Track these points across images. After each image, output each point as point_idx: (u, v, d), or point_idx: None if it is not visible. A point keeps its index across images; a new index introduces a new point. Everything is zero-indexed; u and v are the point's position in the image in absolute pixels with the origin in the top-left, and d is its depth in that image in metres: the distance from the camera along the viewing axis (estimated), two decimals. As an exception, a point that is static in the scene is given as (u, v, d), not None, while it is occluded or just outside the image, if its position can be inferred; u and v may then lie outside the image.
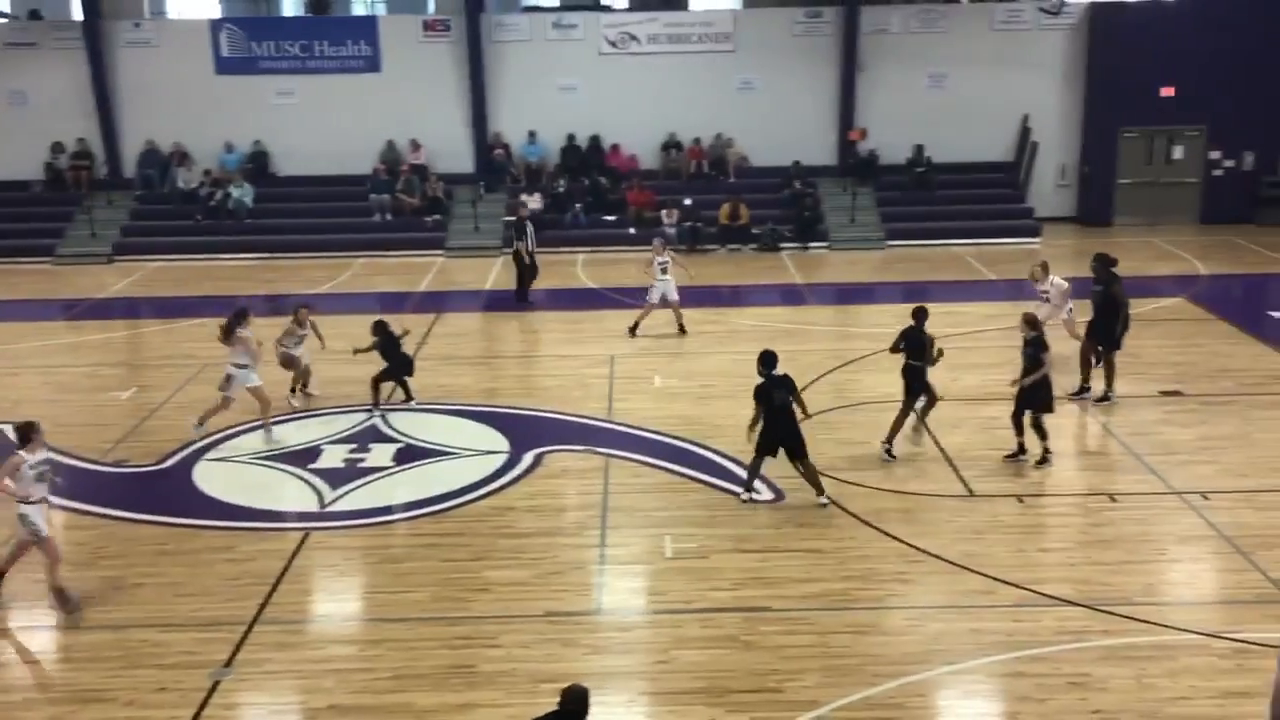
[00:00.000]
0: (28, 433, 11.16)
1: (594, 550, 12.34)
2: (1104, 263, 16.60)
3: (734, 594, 11.31)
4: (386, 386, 16.70)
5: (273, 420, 15.77)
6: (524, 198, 27.96)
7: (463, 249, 27.73)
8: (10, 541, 11.51)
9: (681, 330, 20.03)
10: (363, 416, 16.29)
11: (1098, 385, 16.44)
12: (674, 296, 19.93)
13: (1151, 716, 9.25)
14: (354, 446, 15.34)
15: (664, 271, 19.79)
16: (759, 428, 13.02)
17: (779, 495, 13.54)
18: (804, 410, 13.22)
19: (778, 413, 12.87)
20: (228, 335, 15.39)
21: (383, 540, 12.71)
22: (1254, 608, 10.87)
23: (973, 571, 11.63)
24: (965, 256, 26.30)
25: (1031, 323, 14.14)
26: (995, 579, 11.48)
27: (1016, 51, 28.85)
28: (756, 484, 13.60)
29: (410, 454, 15.01)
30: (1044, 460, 14.06)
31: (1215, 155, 28.87)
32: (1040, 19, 28.48)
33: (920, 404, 14.79)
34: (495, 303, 23.38)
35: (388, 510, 13.42)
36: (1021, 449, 14.28)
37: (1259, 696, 9.06)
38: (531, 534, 12.71)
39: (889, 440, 14.55)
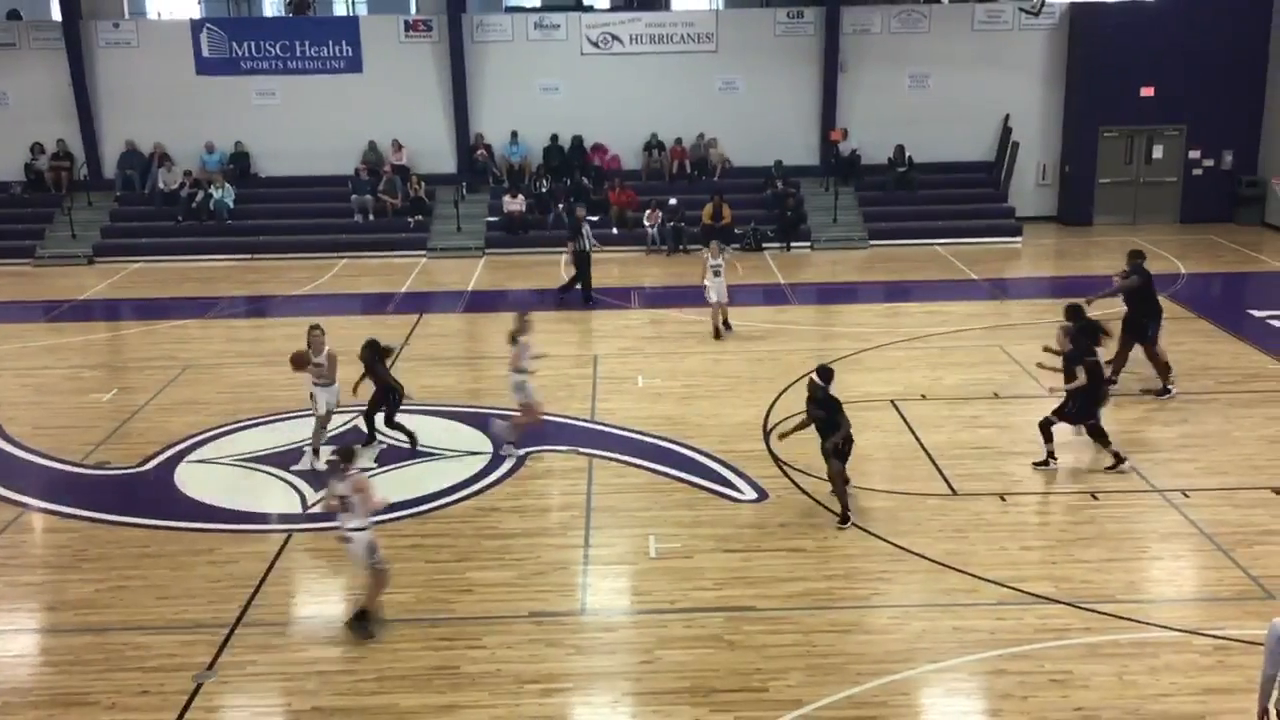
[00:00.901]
0: (353, 453, 10.94)
1: (578, 550, 12.34)
2: (1136, 257, 16.83)
3: (718, 594, 11.33)
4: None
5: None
6: (505, 198, 27.96)
7: (445, 249, 27.68)
8: (362, 576, 10.90)
9: (727, 327, 20.04)
10: (346, 419, 16.24)
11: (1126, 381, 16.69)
12: (724, 299, 19.99)
13: (1133, 713, 9.31)
14: (336, 448, 15.25)
15: (717, 274, 19.77)
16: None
17: (762, 495, 13.56)
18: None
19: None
20: (514, 340, 15.25)
21: (366, 542, 12.67)
22: (1234, 604, 10.95)
23: (955, 570, 11.68)
24: (947, 256, 26.38)
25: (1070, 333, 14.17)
26: (978, 577, 11.53)
27: (997, 51, 28.96)
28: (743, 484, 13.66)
29: (393, 455, 14.98)
30: (1045, 462, 14.11)
31: (1194, 155, 29.01)
32: (1021, 19, 28.57)
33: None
34: (478, 303, 23.35)
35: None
36: (1119, 458, 14.09)
37: (1240, 693, 9.14)
38: (515, 535, 12.70)
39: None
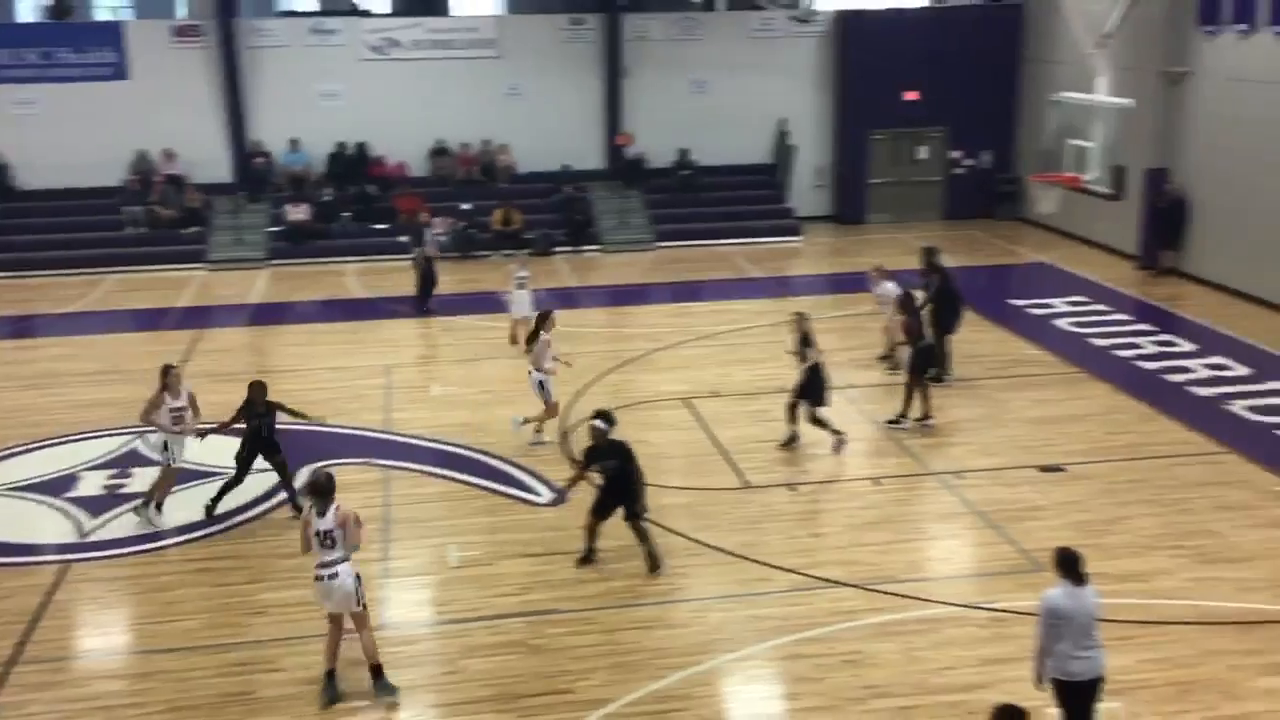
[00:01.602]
0: (330, 486, 9.73)
1: (376, 564, 12.14)
2: (931, 254, 17.49)
3: (520, 599, 11.35)
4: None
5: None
6: (288, 207, 27.21)
7: (225, 261, 26.69)
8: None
9: (529, 349, 19.39)
10: (122, 440, 15.52)
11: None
12: (528, 312, 19.18)
13: (920, 687, 9.79)
14: (114, 472, 14.60)
15: (520, 286, 19.25)
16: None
17: (560, 497, 13.64)
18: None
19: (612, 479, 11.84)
20: (531, 341, 14.95)
21: (150, 568, 12.18)
22: (1007, 578, 11.63)
23: (750, 560, 12.03)
24: (732, 256, 27.05)
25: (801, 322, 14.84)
26: (772, 566, 11.90)
27: (771, 58, 29.81)
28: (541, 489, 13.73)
29: (177, 477, 14.37)
30: (839, 446, 14.67)
31: (956, 155, 30.57)
32: (791, 27, 29.53)
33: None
34: (262, 316, 22.63)
35: (155, 536, 12.86)
36: (794, 437, 14.88)
37: (1016, 662, 9.71)
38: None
39: (923, 415, 15.56)
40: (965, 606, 11.07)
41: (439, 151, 29.14)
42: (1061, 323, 20.68)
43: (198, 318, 22.41)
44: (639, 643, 10.56)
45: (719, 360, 18.87)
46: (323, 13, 30.43)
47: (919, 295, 16.63)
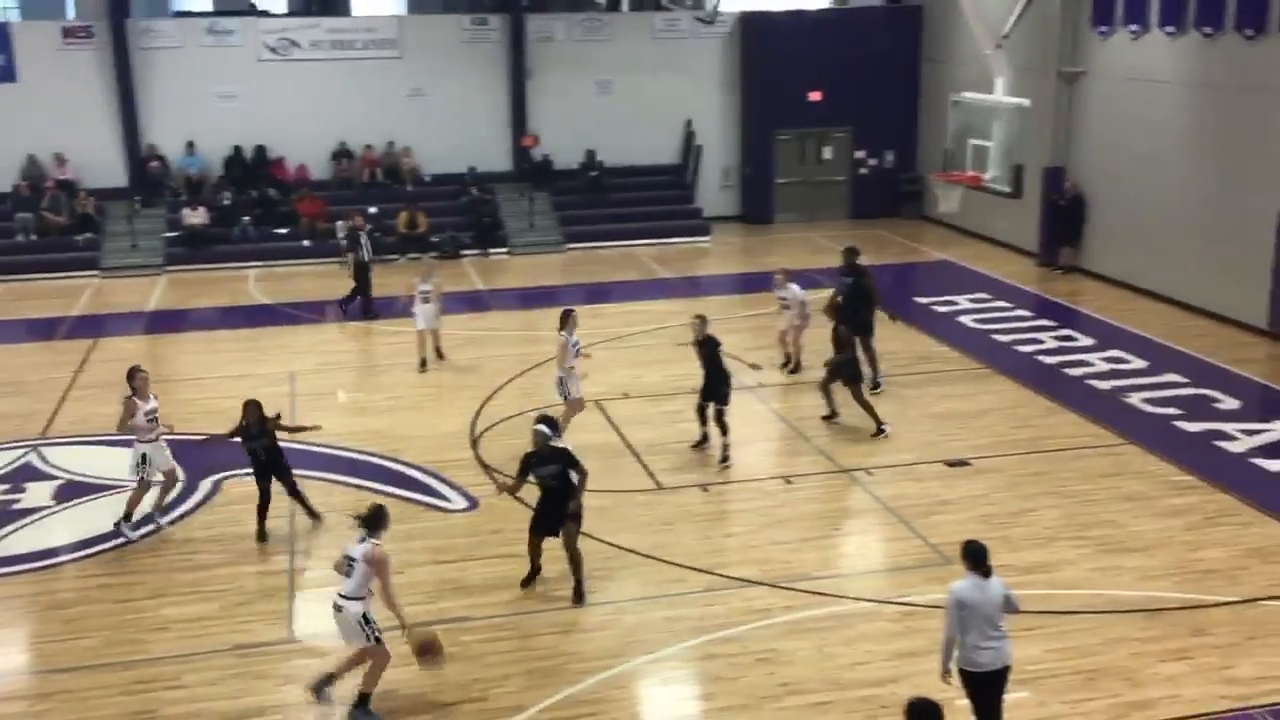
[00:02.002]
0: (380, 518, 9.63)
1: (282, 576, 11.92)
2: (852, 255, 17.55)
3: (433, 606, 11.20)
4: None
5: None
6: (185, 211, 26.59)
7: (120, 268, 25.98)
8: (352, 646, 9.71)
9: (439, 355, 18.84)
10: (16, 454, 15.01)
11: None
12: (434, 324, 18.82)
13: (833, 683, 9.86)
14: (6, 487, 14.11)
15: (425, 300, 18.58)
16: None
17: (473, 503, 13.51)
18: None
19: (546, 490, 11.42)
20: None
21: (48, 585, 11.80)
22: (917, 572, 11.79)
23: (665, 562, 12.02)
24: (641, 256, 27.07)
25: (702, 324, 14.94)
26: (686, 567, 11.91)
27: (677, 59, 29.90)
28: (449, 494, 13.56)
29: (73, 490, 13.97)
30: (724, 459, 14.63)
31: (860, 155, 30.98)
32: (697, 28, 29.66)
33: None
34: (159, 324, 22.06)
35: (52, 553, 12.45)
36: (705, 438, 14.90)
37: (925, 655, 9.82)
38: (213, 565, 12.13)
39: (830, 413, 15.84)
40: (877, 602, 11.18)
41: (341, 154, 28.73)
42: (965, 319, 21.04)
43: (92, 327, 21.79)
44: (554, 647, 10.49)
45: (630, 362, 18.85)
46: (218, 13, 29.75)
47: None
